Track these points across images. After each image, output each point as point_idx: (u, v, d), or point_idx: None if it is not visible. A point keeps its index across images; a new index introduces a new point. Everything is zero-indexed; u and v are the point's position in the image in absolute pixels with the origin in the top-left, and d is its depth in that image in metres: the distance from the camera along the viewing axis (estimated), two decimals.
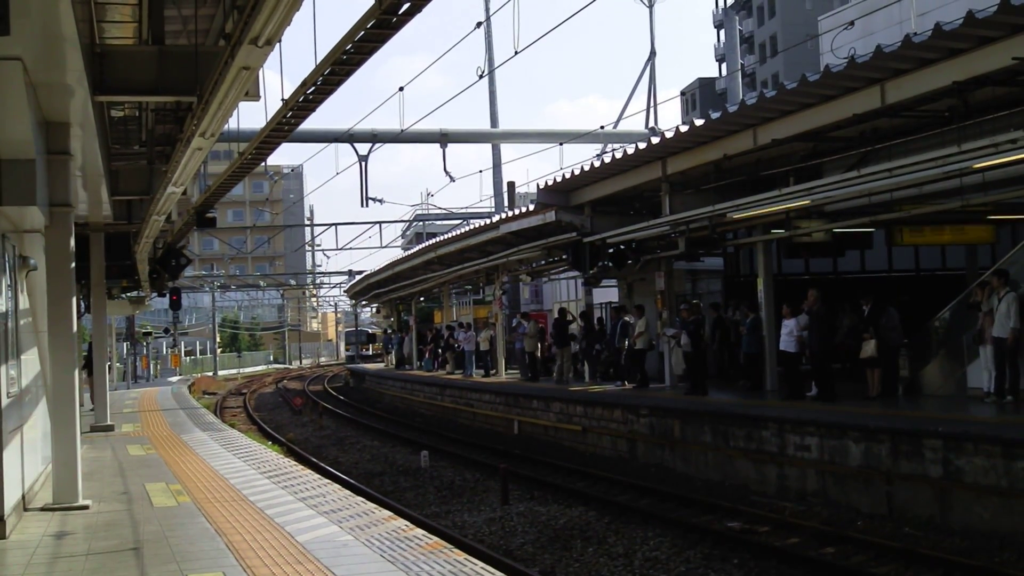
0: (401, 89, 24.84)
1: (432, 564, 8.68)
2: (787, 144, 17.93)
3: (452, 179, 42.90)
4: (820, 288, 19.98)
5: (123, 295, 35.77)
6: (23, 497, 12.04)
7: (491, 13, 41.00)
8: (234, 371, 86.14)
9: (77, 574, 8.90)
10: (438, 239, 38.88)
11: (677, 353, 22.93)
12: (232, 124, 14.65)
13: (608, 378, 27.76)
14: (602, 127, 37.07)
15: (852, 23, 30.25)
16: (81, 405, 30.22)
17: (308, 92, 11.15)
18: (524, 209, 28.34)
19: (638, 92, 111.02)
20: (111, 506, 12.37)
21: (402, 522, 10.79)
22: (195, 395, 44.24)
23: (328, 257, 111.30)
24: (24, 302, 13.11)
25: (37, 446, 13.59)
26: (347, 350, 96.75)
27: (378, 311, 72.14)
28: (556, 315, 31.88)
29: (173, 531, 10.57)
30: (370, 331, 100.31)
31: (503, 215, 30.27)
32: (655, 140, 20.46)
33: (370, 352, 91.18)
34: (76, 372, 12.63)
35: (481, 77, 24.57)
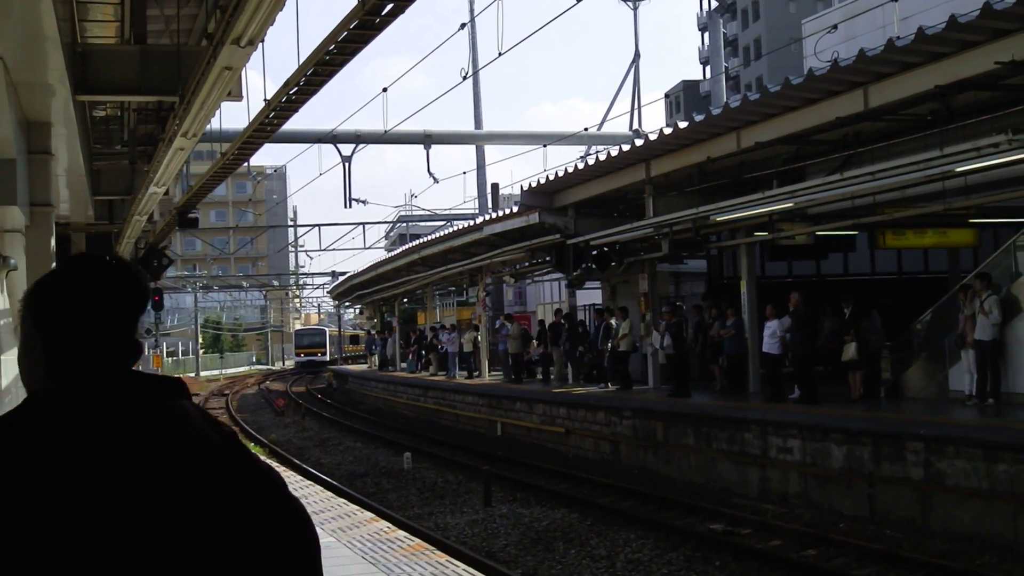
0: (385, 90, 24.77)
1: (414, 566, 8.66)
2: (770, 147, 17.96)
3: (436, 180, 43.14)
4: (803, 291, 20.02)
5: None
6: None
7: (475, 14, 40.98)
8: (216, 372, 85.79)
9: None
10: (422, 240, 38.85)
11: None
12: (214, 124, 14.63)
13: (591, 380, 27.77)
14: (586, 129, 37.10)
15: (835, 27, 30.35)
16: None
17: (291, 92, 11.13)
18: (508, 211, 28.34)
19: (622, 94, 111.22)
20: None
21: (384, 524, 10.78)
22: None
23: (311, 258, 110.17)
24: (4, 302, 13.04)
25: None
26: (299, 355, 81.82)
27: (361, 312, 71.78)
28: (554, 316, 31.49)
29: None
30: (330, 329, 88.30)
31: (487, 217, 30.26)
32: (639, 142, 20.48)
33: (324, 357, 78.44)
34: None
35: (465, 79, 24.56)
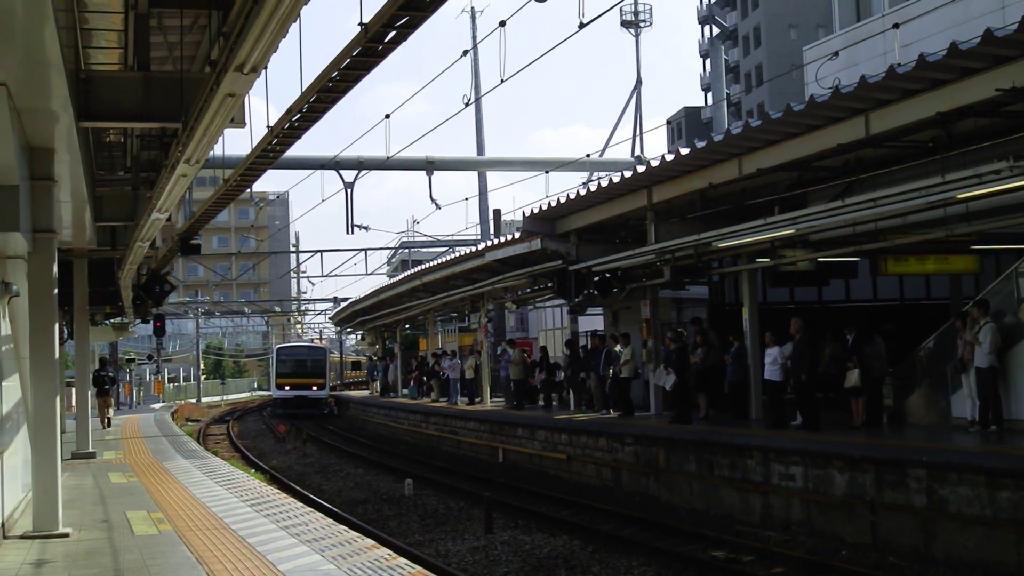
0: (387, 116, 24.83)
1: None
2: (772, 173, 17.97)
3: (438, 206, 43.10)
4: (805, 317, 20.00)
5: (106, 321, 35.61)
6: (2, 525, 11.93)
7: (478, 42, 41.17)
8: (218, 398, 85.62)
9: None
10: (424, 266, 38.86)
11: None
12: (217, 150, 14.62)
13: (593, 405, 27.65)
14: (588, 155, 37.18)
15: (837, 54, 30.42)
16: (107, 427, 31.07)
17: (294, 119, 11.14)
18: (510, 237, 28.35)
19: (624, 120, 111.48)
20: (92, 534, 12.25)
21: (385, 551, 10.71)
22: (178, 422, 43.98)
23: (313, 284, 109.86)
24: (6, 328, 13.03)
25: (17, 473, 13.47)
26: (281, 388, 58.78)
27: (363, 338, 71.47)
28: (590, 341, 30.63)
29: (154, 560, 10.47)
30: (320, 349, 67.05)
31: (489, 243, 30.26)
32: (641, 169, 20.50)
33: (322, 392, 58.65)
34: (58, 399, 12.53)
35: (467, 105, 24.61)
